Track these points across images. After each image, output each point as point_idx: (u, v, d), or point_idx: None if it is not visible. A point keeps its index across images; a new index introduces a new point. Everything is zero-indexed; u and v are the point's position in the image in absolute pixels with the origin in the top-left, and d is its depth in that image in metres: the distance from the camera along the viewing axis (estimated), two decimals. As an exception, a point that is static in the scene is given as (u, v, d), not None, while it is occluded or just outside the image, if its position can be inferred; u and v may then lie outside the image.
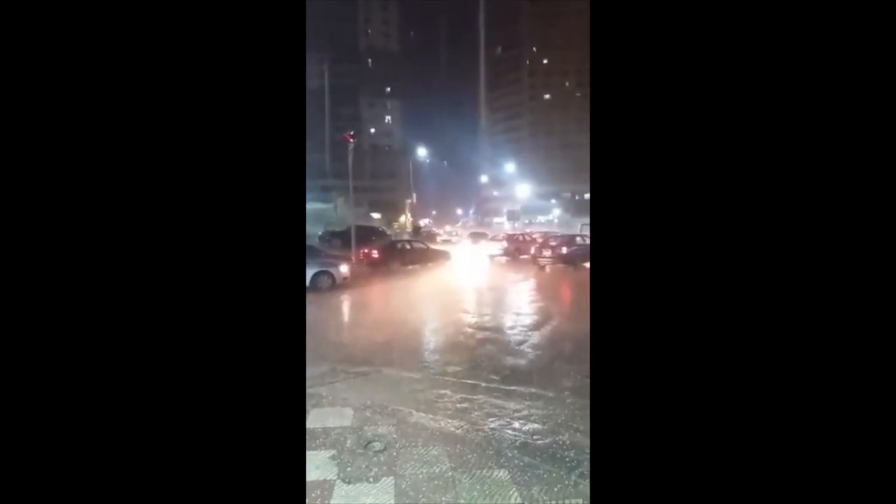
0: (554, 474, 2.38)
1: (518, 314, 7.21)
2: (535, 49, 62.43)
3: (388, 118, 58.56)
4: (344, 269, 10.29)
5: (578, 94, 57.24)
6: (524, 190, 45.50)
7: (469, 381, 3.88)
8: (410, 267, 14.09)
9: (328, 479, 2.34)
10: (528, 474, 2.37)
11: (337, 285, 9.78)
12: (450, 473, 2.38)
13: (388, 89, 58.00)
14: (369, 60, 57.08)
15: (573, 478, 2.35)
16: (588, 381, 3.91)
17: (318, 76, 50.55)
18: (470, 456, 2.57)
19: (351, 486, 2.28)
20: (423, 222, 41.66)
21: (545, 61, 62.31)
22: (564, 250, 15.88)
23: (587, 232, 18.25)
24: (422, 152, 40.32)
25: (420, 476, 2.35)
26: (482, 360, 4.62)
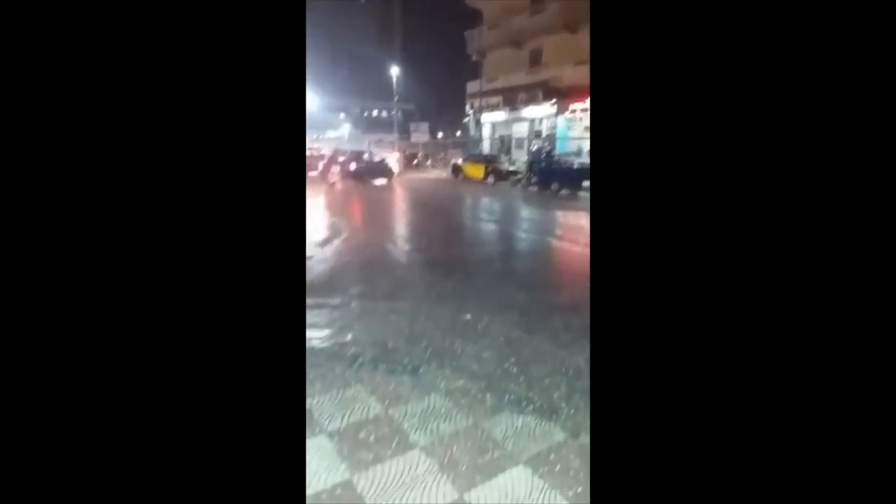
0: (337, 369, 2.60)
1: (308, 231, 7.06)
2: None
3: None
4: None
5: (364, 1, 53.96)
6: (312, 101, 42.25)
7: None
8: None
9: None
10: (312, 373, 2.53)
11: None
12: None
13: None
14: None
15: (353, 369, 2.62)
16: (374, 286, 4.25)
17: None
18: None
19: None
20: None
21: (329, -48, 55.70)
22: (353, 167, 15.87)
23: (373, 149, 18.51)
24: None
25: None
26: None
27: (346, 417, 2.15)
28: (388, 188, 14.61)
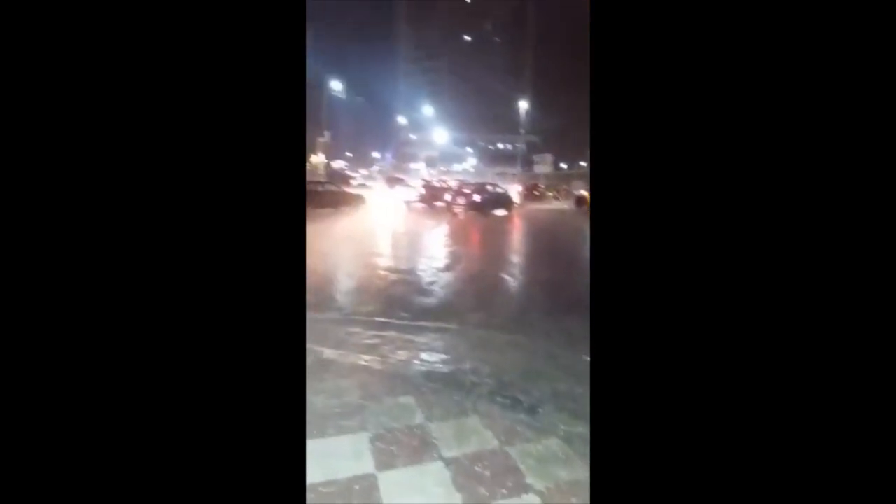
0: (455, 397, 2.65)
1: (431, 258, 7.45)
2: (458, -15, 59.69)
3: (297, 45, 53.04)
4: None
5: (498, 40, 56.55)
6: (442, 136, 45.12)
7: (380, 320, 4.02)
8: (322, 210, 13.59)
9: (236, 414, 2.37)
10: (431, 398, 2.61)
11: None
12: (359, 402, 2.54)
13: (298, 12, 52.08)
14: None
15: (471, 399, 2.64)
16: (490, 315, 4.28)
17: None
18: (378, 386, 2.74)
19: (260, 419, 2.34)
20: (336, 164, 39.68)
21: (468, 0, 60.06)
22: (477, 198, 16.39)
23: (497, 181, 19.00)
24: (336, 87, 37.63)
25: (330, 407, 2.47)
26: (394, 299, 4.78)
27: (462, 447, 2.16)
28: (507, 219, 14.73)
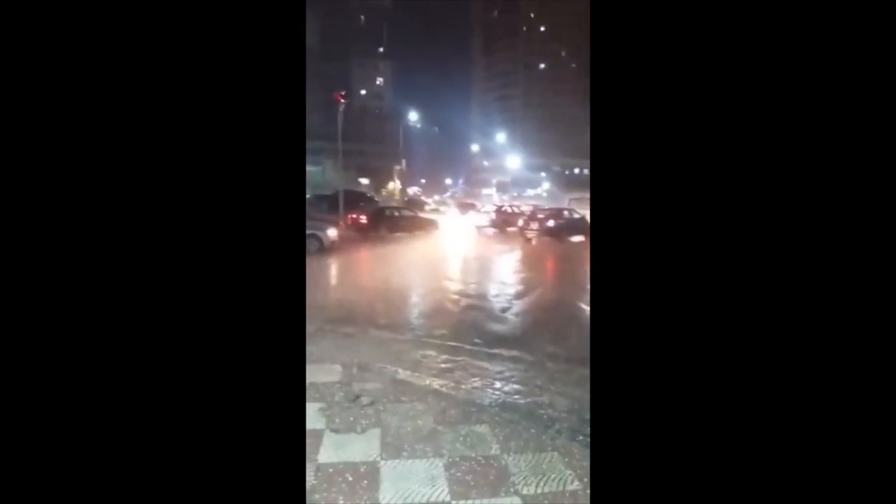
0: (532, 430, 2.53)
1: (503, 283, 7.36)
2: (532, 15, 60.61)
3: (379, 80, 56.83)
4: (332, 233, 10.29)
5: (574, 65, 56.21)
6: (515, 161, 45.22)
7: (453, 344, 4.01)
8: (398, 234, 14.11)
9: (318, 428, 2.45)
10: (507, 430, 2.52)
11: (325, 249, 9.80)
12: (433, 426, 2.52)
13: (381, 49, 56.03)
14: (361, 17, 54.81)
15: (550, 434, 2.51)
16: (568, 347, 4.09)
17: (308, 32, 48.43)
18: (453, 412, 2.71)
19: (339, 435, 2.40)
20: (411, 190, 41.21)
21: (542, 28, 60.68)
22: (551, 223, 16.03)
23: (574, 206, 18.53)
24: (413, 117, 39.52)
25: (405, 429, 2.48)
26: (466, 324, 4.76)
27: (541, 485, 2.05)
28: (585, 245, 14.21)
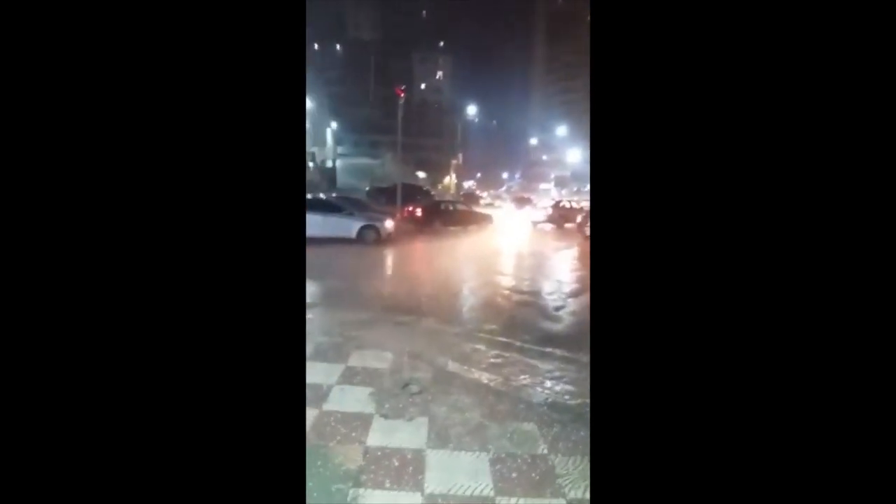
0: (582, 433, 2.46)
1: (558, 281, 7.18)
2: (599, 3, 57.92)
3: (439, 74, 57.14)
4: (389, 224, 10.60)
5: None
6: (575, 156, 43.76)
7: (504, 340, 3.98)
8: (452, 228, 14.18)
9: (368, 412, 2.54)
10: (556, 430, 2.46)
11: (381, 239, 10.14)
12: (480, 420, 2.52)
13: (442, 43, 56.26)
14: (424, 12, 55.27)
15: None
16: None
17: (369, 26, 49.67)
18: (501, 407, 2.69)
19: (388, 421, 2.46)
20: (467, 184, 41.17)
21: (610, 17, 57.84)
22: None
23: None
24: (471, 111, 39.37)
25: (452, 420, 2.50)
26: (518, 321, 4.69)
27: (588, 490, 1.98)
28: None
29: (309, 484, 1.89)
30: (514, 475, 2.04)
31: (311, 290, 5.73)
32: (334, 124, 32.52)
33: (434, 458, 2.14)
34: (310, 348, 3.48)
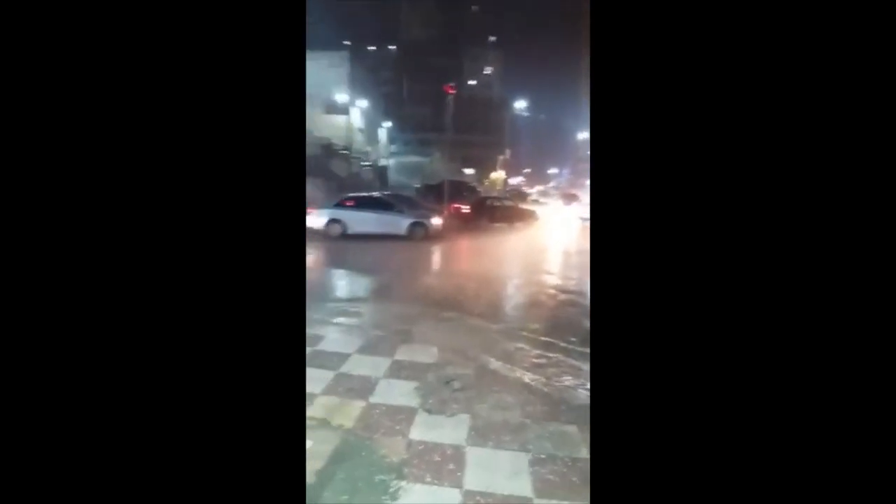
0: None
1: (606, 281, 6.97)
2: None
3: (488, 69, 56.65)
4: (436, 221, 10.78)
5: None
6: (628, 150, 41.86)
7: (547, 339, 3.94)
8: (498, 224, 14.12)
9: (412, 406, 2.62)
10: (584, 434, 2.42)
11: (429, 236, 10.37)
12: (521, 420, 2.52)
13: (492, 39, 55.73)
14: (473, 7, 54.95)
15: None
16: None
17: (422, 24, 50.07)
18: (542, 408, 2.68)
19: (431, 416, 2.53)
20: (514, 180, 40.63)
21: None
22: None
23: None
24: (520, 105, 38.78)
25: (494, 418, 2.52)
26: (562, 321, 4.62)
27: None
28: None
29: (353, 474, 1.99)
30: (553, 477, 2.04)
31: (364, 284, 6.03)
32: (388, 123, 33.13)
33: (473, 455, 2.18)
34: (361, 342, 3.63)
